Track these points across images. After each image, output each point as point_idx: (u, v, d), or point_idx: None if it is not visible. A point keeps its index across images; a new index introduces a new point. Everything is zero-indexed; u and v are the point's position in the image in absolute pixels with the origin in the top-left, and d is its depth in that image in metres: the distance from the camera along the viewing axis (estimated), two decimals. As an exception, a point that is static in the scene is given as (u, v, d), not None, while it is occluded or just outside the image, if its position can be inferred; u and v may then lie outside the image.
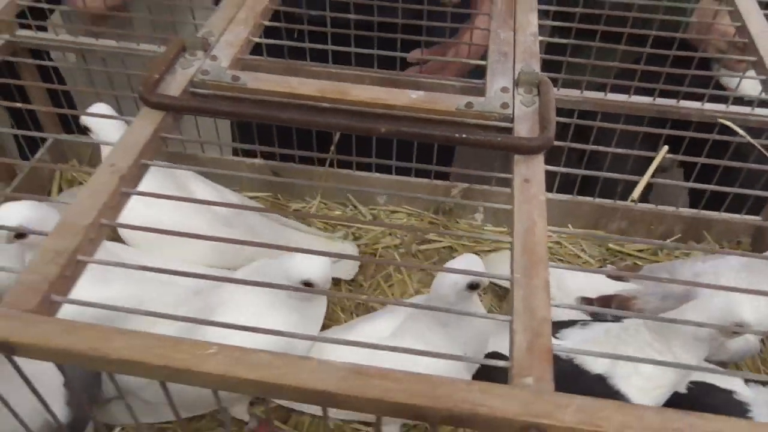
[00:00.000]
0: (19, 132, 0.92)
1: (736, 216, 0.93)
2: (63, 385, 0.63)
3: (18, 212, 0.59)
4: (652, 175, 0.58)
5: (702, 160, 0.73)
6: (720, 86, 1.00)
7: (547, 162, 0.46)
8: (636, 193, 0.61)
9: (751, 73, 0.83)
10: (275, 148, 0.94)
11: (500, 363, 0.34)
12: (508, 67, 0.54)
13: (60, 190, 1.04)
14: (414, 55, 0.91)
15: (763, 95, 0.74)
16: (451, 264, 0.66)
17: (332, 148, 0.94)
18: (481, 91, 0.53)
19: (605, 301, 0.81)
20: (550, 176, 0.46)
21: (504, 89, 0.52)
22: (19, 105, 0.76)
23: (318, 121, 0.47)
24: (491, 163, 0.96)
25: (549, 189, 0.91)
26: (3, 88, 0.83)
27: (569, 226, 1.00)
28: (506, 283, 0.85)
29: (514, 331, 0.35)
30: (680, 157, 0.77)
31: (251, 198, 1.03)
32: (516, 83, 0.52)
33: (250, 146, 0.97)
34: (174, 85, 0.51)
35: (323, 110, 0.50)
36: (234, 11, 0.60)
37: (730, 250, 0.95)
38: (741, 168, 0.76)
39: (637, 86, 0.79)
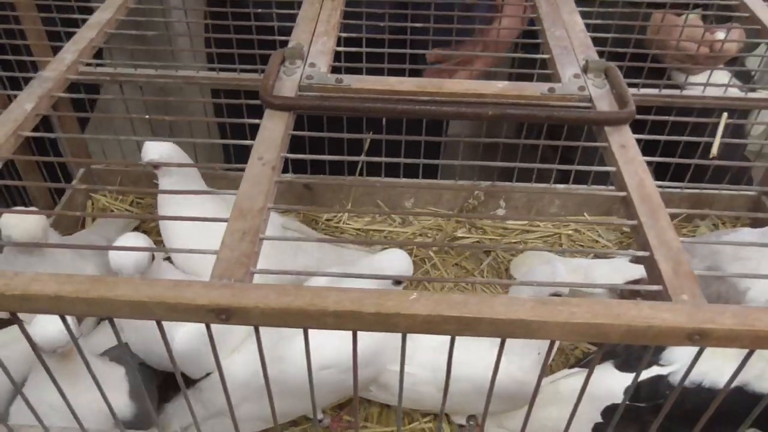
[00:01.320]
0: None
1: (735, 192, 1.03)
2: (125, 378, 0.67)
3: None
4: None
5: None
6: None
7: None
8: (714, 149, 0.69)
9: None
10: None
11: (653, 287, 0.41)
12: (572, 58, 0.62)
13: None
14: (435, 52, 0.98)
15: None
16: (533, 272, 0.70)
17: (368, 136, 0.99)
18: (547, 78, 0.61)
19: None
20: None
21: (576, 75, 0.59)
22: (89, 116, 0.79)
23: (432, 111, 0.53)
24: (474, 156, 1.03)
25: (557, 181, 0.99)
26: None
27: (585, 214, 1.08)
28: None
29: (657, 261, 0.42)
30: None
31: (284, 212, 1.07)
32: (584, 70, 0.59)
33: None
34: (285, 90, 0.56)
35: (427, 102, 0.56)
36: (312, 25, 0.66)
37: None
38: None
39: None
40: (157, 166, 0.79)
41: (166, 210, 0.84)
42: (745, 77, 1.12)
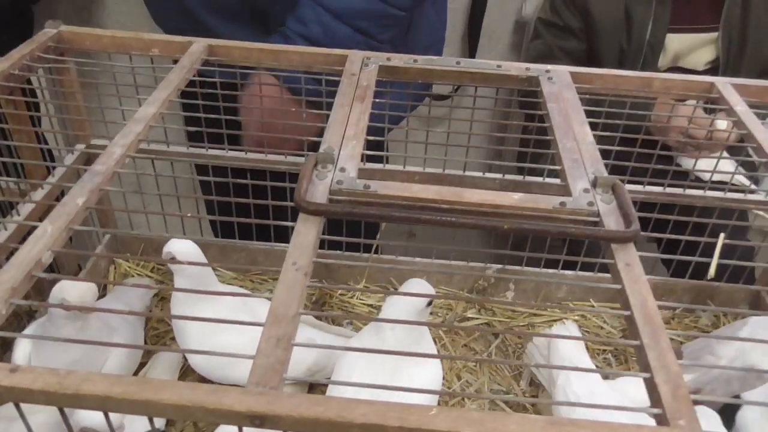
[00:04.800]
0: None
1: (736, 285, 1.07)
2: None
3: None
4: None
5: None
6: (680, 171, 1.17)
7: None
8: (711, 271, 0.73)
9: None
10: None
11: (654, 410, 0.44)
12: (582, 171, 0.66)
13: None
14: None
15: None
16: None
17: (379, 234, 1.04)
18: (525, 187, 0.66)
19: None
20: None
21: (585, 190, 0.63)
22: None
23: (453, 222, 0.58)
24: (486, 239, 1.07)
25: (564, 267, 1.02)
26: None
27: (591, 300, 1.11)
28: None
29: (657, 384, 0.45)
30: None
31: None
32: (593, 185, 0.64)
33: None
34: (317, 195, 0.61)
35: (448, 211, 0.60)
36: (342, 128, 0.71)
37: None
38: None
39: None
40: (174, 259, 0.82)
41: (179, 307, 0.87)
42: (749, 166, 1.17)
